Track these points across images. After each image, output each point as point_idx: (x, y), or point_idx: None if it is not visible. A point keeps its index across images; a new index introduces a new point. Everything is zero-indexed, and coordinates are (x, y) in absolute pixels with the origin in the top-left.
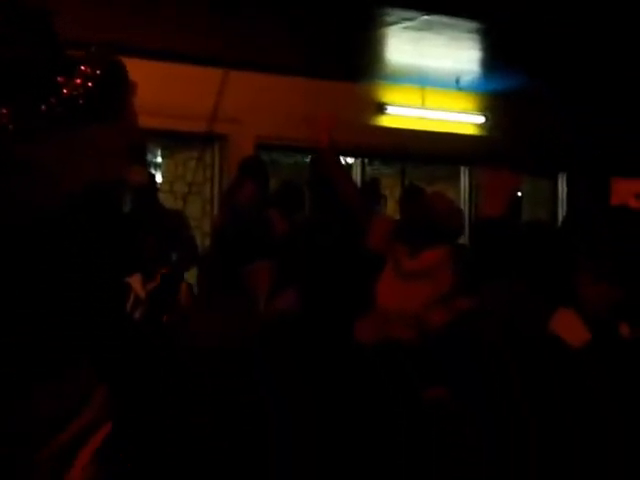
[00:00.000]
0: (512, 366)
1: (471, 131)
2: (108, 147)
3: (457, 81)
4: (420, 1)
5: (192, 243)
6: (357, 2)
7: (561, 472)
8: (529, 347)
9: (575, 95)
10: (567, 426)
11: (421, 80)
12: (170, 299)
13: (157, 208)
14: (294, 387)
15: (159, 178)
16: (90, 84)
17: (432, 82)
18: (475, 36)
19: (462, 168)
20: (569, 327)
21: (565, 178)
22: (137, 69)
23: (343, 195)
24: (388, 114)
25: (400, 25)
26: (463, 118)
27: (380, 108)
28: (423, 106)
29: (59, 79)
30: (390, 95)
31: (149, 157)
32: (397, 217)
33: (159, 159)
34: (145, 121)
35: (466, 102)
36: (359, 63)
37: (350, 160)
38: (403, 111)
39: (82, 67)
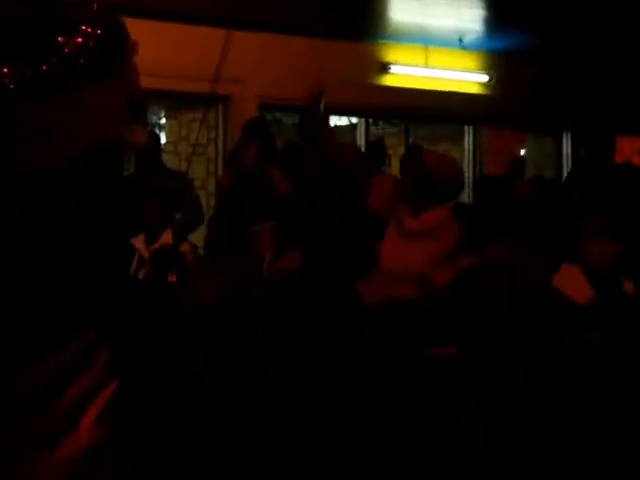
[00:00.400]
0: (514, 329)
1: (475, 90)
2: (109, 107)
3: (460, 40)
4: None
5: (196, 204)
6: None
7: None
8: (532, 305)
9: (579, 53)
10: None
11: (425, 39)
12: (174, 259)
13: (161, 169)
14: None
15: (163, 139)
16: (91, 43)
17: (436, 41)
18: None
19: (466, 127)
20: (573, 283)
21: (570, 136)
22: (139, 29)
23: (333, 153)
24: (392, 73)
25: None
26: (467, 77)
27: (384, 67)
28: (427, 65)
29: (60, 38)
30: (394, 54)
31: (153, 118)
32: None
33: (163, 120)
34: (148, 82)
35: (470, 61)
36: (363, 22)
37: (354, 120)
38: (407, 70)
39: (83, 26)
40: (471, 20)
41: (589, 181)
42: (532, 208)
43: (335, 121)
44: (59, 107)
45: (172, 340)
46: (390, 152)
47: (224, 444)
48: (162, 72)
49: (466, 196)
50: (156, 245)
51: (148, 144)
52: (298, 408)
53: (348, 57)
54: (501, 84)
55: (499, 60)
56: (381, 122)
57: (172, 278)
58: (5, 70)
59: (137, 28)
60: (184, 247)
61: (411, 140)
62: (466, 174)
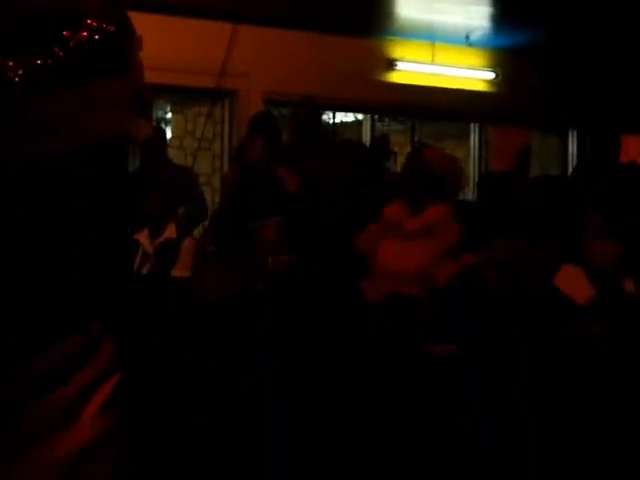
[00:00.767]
0: (520, 327)
1: (481, 87)
2: (115, 102)
3: (467, 37)
4: None
5: (201, 199)
6: None
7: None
8: (537, 303)
9: (586, 51)
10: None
11: (431, 36)
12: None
13: (166, 164)
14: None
15: (169, 134)
16: (97, 38)
17: (442, 38)
18: None
19: (472, 125)
20: (574, 283)
21: (575, 135)
22: (146, 23)
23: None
24: (398, 70)
25: None
26: (473, 74)
27: (390, 64)
28: (433, 62)
29: (65, 32)
30: (400, 51)
31: (159, 113)
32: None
33: (169, 115)
34: (154, 77)
35: (476, 58)
36: (369, 18)
37: (360, 116)
38: (413, 67)
39: (89, 20)
40: (478, 17)
41: (593, 180)
42: (538, 206)
43: (341, 117)
44: (64, 101)
45: (173, 338)
46: (396, 149)
47: (224, 444)
48: (168, 66)
49: (471, 193)
50: (160, 240)
51: (153, 138)
52: (299, 404)
53: (354, 53)
54: (507, 82)
55: (505, 57)
56: (387, 119)
57: (176, 272)
58: (10, 63)
59: (143, 22)
60: (187, 242)
61: (417, 137)
62: (472, 171)
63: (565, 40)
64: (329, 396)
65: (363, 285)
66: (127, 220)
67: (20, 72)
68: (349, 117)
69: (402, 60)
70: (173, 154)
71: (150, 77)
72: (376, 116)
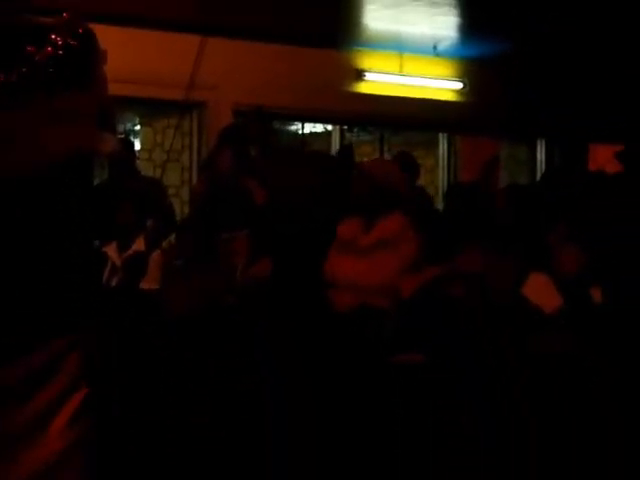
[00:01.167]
0: (486, 332)
1: (449, 97)
2: (78, 115)
3: (435, 47)
4: None
5: (170, 211)
6: None
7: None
8: (503, 314)
9: (553, 60)
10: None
11: (399, 46)
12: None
13: (135, 176)
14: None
15: (137, 146)
16: (61, 53)
17: (410, 48)
18: (452, 2)
19: (440, 134)
20: (541, 292)
21: (544, 144)
22: (113, 36)
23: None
24: (366, 80)
25: None
26: (441, 84)
27: (358, 74)
28: (401, 72)
29: (29, 48)
30: (368, 61)
31: (127, 125)
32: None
33: (137, 127)
34: (122, 89)
35: (444, 68)
36: (337, 29)
37: (329, 127)
38: (381, 77)
39: (53, 35)
40: (445, 27)
41: (560, 188)
42: (507, 217)
43: (310, 128)
44: (28, 116)
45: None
46: (365, 159)
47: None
48: (136, 79)
49: (439, 203)
50: (129, 252)
51: (120, 151)
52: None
53: (323, 64)
54: (475, 91)
55: (473, 67)
56: (356, 129)
57: (144, 285)
58: None
59: (110, 35)
60: (156, 255)
61: (386, 147)
62: (440, 181)
63: (532, 50)
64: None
65: (329, 295)
66: (94, 233)
67: None
68: (318, 128)
69: (370, 71)
70: (142, 166)
71: (118, 89)
72: (345, 127)
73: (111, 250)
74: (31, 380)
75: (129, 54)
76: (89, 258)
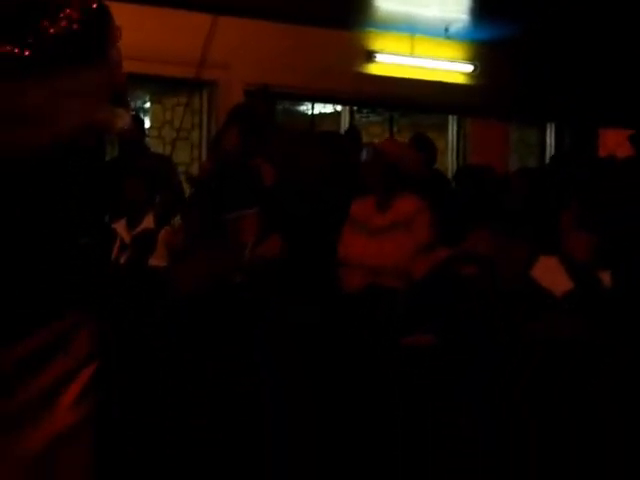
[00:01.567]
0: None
1: (460, 80)
2: (92, 91)
3: (446, 29)
4: None
5: (179, 189)
6: None
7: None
8: (512, 295)
9: (564, 44)
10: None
11: (410, 28)
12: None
13: (144, 153)
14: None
15: (147, 124)
16: (75, 27)
17: (421, 30)
18: None
19: (450, 117)
20: (551, 275)
21: (554, 127)
22: (125, 13)
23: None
24: (377, 62)
25: None
26: (452, 67)
27: (369, 56)
28: (412, 54)
29: (44, 22)
30: (379, 43)
31: (137, 102)
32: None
33: (147, 104)
34: (133, 66)
35: (455, 50)
36: (349, 10)
37: (339, 108)
38: (392, 59)
39: (67, 10)
40: (457, 10)
41: (570, 172)
42: (518, 201)
43: (319, 108)
44: (42, 90)
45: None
46: (375, 141)
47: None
48: (147, 56)
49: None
50: (138, 230)
51: (131, 128)
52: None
53: (334, 44)
54: (486, 74)
55: (484, 50)
56: (366, 110)
57: (153, 262)
58: None
59: (123, 12)
60: (164, 232)
61: (395, 129)
62: (450, 163)
63: (544, 33)
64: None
65: (340, 275)
66: (104, 209)
67: None
68: (328, 108)
69: (381, 52)
70: (151, 144)
71: (129, 67)
72: (355, 108)
73: (120, 227)
74: (40, 355)
75: (140, 31)
76: (97, 236)
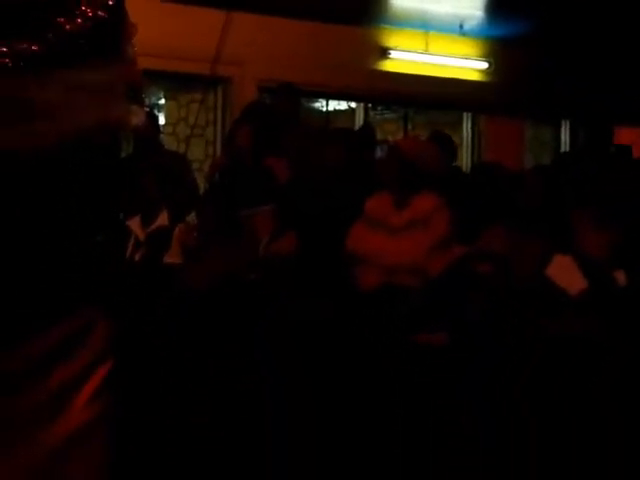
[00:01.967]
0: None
1: (474, 77)
2: (107, 88)
3: (461, 26)
4: None
5: (194, 186)
6: None
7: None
8: (526, 294)
9: (579, 41)
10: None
11: (425, 25)
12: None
13: (159, 150)
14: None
15: (162, 120)
16: (90, 25)
17: (436, 27)
18: None
19: (465, 114)
20: (565, 274)
21: (568, 125)
22: (140, 9)
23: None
24: (392, 58)
25: None
26: (467, 64)
27: (383, 52)
28: (427, 51)
29: (60, 19)
30: (394, 39)
31: (152, 99)
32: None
33: (162, 101)
34: (148, 62)
35: (470, 47)
36: (363, 6)
37: (353, 105)
38: (407, 56)
39: (83, 7)
40: (472, 6)
41: (584, 170)
42: (536, 200)
43: (334, 105)
44: (57, 86)
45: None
46: (389, 138)
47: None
48: (162, 53)
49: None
50: (152, 227)
51: (145, 125)
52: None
53: (348, 41)
54: (500, 71)
55: (499, 47)
56: (380, 107)
57: (168, 259)
58: (4, 49)
59: (137, 8)
60: (179, 229)
61: (410, 126)
62: (464, 161)
63: (558, 30)
64: (329, 396)
65: (355, 274)
66: (119, 207)
67: (13, 58)
68: (342, 105)
69: (396, 49)
70: (166, 140)
71: (143, 63)
72: (369, 105)
73: (134, 224)
74: (51, 356)
75: (155, 28)
76: (112, 233)
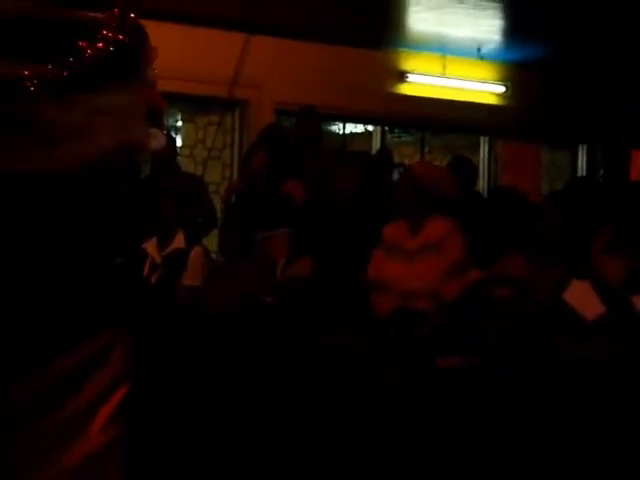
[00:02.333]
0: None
1: (491, 100)
2: (127, 111)
3: (478, 50)
4: None
5: (211, 208)
6: None
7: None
8: (544, 318)
9: (596, 65)
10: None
11: (442, 48)
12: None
13: (176, 172)
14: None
15: (179, 142)
16: (112, 48)
17: (453, 50)
18: (497, 5)
19: (482, 137)
20: (583, 299)
21: (585, 149)
22: (159, 33)
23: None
24: (409, 82)
25: None
26: (484, 87)
27: (401, 76)
28: (444, 74)
29: (81, 43)
30: (411, 63)
31: (169, 121)
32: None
33: (179, 123)
34: (165, 85)
35: (487, 71)
36: (381, 30)
37: (370, 128)
38: (424, 79)
39: (104, 31)
40: (489, 30)
41: (603, 196)
42: (556, 229)
43: (351, 128)
44: (79, 110)
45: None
46: (405, 161)
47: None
48: (180, 75)
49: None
50: (168, 250)
51: (165, 148)
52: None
53: (366, 64)
54: (518, 95)
55: (516, 71)
56: (397, 130)
57: (186, 281)
58: (26, 73)
59: (157, 31)
60: (195, 251)
61: (427, 149)
62: (481, 185)
63: (576, 54)
64: (342, 414)
65: (372, 299)
66: (139, 229)
67: (35, 82)
68: (359, 128)
69: (413, 72)
70: (183, 163)
71: (161, 85)
72: (386, 128)
73: (151, 247)
74: (71, 378)
75: (172, 50)
76: (132, 255)
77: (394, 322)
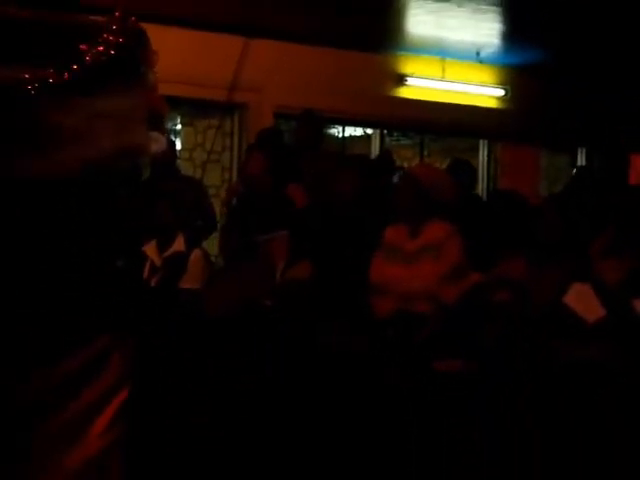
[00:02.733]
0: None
1: (491, 104)
2: (128, 115)
3: (478, 53)
4: None
5: (210, 211)
6: None
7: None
8: (543, 321)
9: (595, 68)
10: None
11: (442, 52)
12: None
13: (175, 175)
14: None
15: (178, 146)
16: (113, 52)
17: (453, 54)
18: (496, 8)
19: (481, 141)
20: (583, 302)
21: (584, 153)
22: (159, 36)
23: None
24: (408, 85)
25: None
26: (483, 91)
27: (400, 79)
28: (443, 78)
29: (82, 46)
30: (410, 66)
31: (169, 125)
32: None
33: (179, 127)
34: (165, 89)
35: (486, 75)
36: (380, 33)
37: (369, 131)
38: (423, 82)
39: (105, 35)
40: (488, 34)
41: (602, 198)
42: (556, 232)
43: (350, 132)
44: (79, 114)
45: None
46: (404, 164)
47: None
48: (179, 79)
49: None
50: (168, 252)
51: (165, 151)
52: (313, 423)
53: (365, 68)
54: (517, 99)
55: (515, 74)
56: (396, 134)
57: (185, 284)
58: (26, 76)
59: (156, 35)
60: (195, 254)
61: (426, 152)
62: (480, 188)
63: (575, 58)
64: (342, 415)
65: (371, 302)
66: (140, 232)
67: (36, 85)
68: (358, 131)
69: (412, 76)
70: (182, 166)
71: (161, 89)
72: (385, 131)
73: (150, 250)
74: (70, 382)
75: (172, 54)
76: (132, 258)
77: (394, 324)
